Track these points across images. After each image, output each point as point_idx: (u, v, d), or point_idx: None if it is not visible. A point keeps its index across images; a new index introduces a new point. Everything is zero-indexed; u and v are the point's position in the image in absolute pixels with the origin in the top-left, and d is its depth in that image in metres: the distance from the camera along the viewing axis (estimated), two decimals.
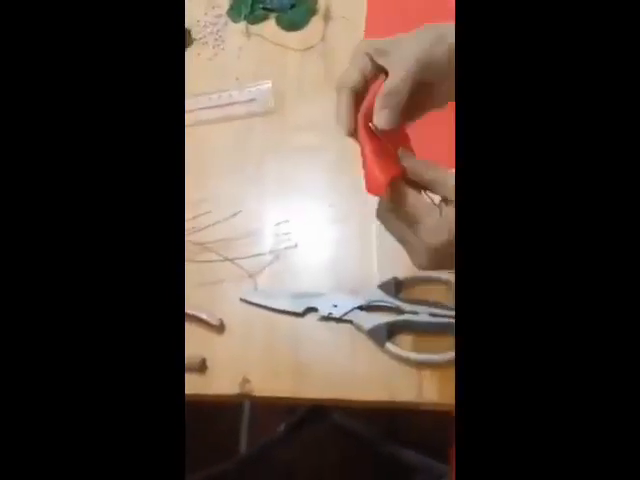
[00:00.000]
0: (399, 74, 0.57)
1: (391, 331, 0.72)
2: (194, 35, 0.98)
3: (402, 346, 0.71)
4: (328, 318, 0.74)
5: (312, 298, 0.75)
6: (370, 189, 0.58)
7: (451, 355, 0.70)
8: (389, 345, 0.71)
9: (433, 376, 0.71)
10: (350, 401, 0.72)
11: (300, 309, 0.75)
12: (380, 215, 0.60)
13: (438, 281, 0.74)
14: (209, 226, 0.79)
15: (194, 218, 0.79)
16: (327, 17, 0.97)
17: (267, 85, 0.91)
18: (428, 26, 0.60)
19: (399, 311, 0.73)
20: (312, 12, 0.98)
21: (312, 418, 1.28)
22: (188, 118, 0.88)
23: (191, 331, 0.73)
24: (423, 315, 0.72)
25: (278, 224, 0.81)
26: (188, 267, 0.74)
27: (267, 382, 0.72)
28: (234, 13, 0.99)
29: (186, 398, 0.68)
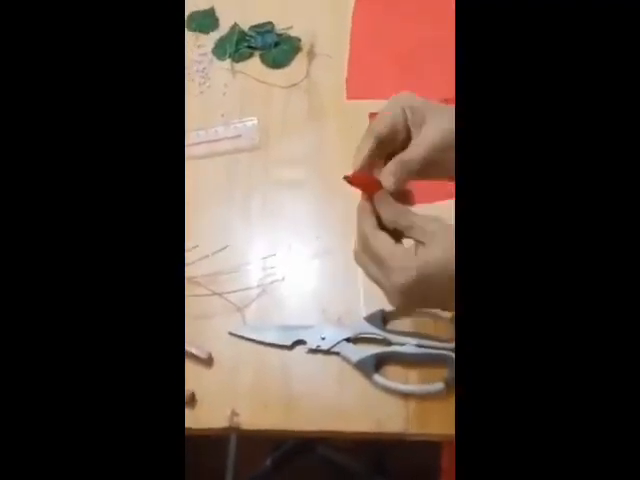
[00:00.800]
0: (420, 148, 0.59)
1: (379, 363, 0.73)
2: None
3: (390, 377, 0.72)
4: (316, 350, 0.75)
5: (300, 331, 0.76)
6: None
7: (439, 386, 0.71)
8: (377, 377, 0.72)
9: (420, 407, 0.71)
10: (338, 432, 0.72)
11: (288, 342, 0.75)
12: (357, 259, 0.62)
13: (424, 313, 0.75)
14: (197, 261, 0.80)
15: None
16: (311, 55, 0.99)
17: (252, 121, 0.92)
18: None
19: (386, 343, 0.74)
20: (296, 50, 0.99)
21: (299, 452, 1.28)
22: None
23: None
24: (410, 346, 0.73)
25: (265, 258, 0.82)
26: None
27: (256, 415, 0.73)
28: (219, 51, 1.01)
29: None
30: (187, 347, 0.74)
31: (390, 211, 0.60)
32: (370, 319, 0.75)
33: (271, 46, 1.00)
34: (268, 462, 1.30)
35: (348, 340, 0.75)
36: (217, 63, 1.00)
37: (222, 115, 0.94)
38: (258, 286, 0.80)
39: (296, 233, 0.85)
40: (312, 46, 0.99)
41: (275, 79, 0.97)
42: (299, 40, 1.00)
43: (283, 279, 0.81)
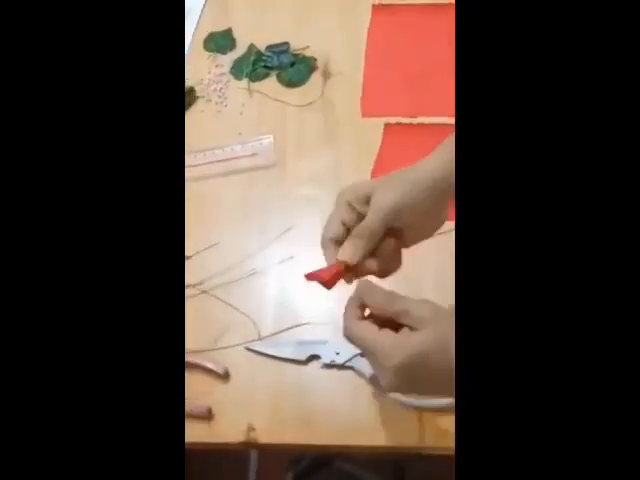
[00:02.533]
0: (372, 218, 0.61)
1: None
2: (198, 93, 1.01)
3: None
4: (331, 365, 0.76)
5: (315, 346, 0.77)
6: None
7: (451, 400, 0.71)
8: None
9: (434, 421, 0.72)
10: (353, 447, 0.73)
11: (303, 357, 0.76)
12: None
13: None
14: (214, 275, 0.82)
15: (200, 267, 0.82)
16: (326, 74, 1.00)
17: (268, 140, 0.94)
18: (404, 170, 0.62)
19: None
20: (311, 69, 1.01)
21: (319, 466, 1.28)
22: (193, 172, 0.92)
23: (197, 380, 0.75)
24: None
25: (281, 274, 0.83)
26: (193, 315, 0.76)
27: (272, 430, 0.73)
28: (236, 71, 1.03)
29: (192, 446, 0.70)
30: (204, 362, 0.75)
31: (376, 299, 0.59)
32: None
33: (287, 66, 1.02)
34: (289, 478, 1.30)
35: (362, 355, 0.75)
36: (234, 83, 1.02)
37: (239, 134, 0.96)
38: (274, 301, 0.81)
39: (312, 249, 0.86)
40: (327, 65, 1.01)
41: (291, 98, 0.99)
42: (314, 60, 1.02)
43: (299, 295, 0.82)
